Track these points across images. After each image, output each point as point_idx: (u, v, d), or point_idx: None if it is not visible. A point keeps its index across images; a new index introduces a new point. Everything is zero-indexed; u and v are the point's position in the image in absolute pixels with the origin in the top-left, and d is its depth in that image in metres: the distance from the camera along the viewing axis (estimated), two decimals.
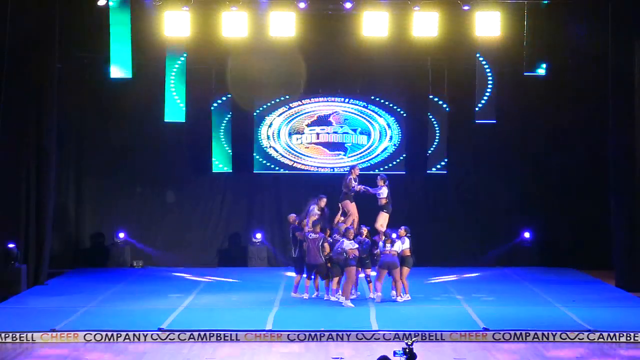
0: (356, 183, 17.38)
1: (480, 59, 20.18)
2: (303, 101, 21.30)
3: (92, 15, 19.58)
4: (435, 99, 21.09)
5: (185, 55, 20.09)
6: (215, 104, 21.02)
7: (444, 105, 21.07)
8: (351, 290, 16.34)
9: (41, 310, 15.81)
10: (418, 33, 19.23)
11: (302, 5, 18.92)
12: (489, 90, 20.26)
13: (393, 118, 21.28)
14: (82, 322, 14.62)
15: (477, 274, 20.02)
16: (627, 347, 13.73)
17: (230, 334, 13.90)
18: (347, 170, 18.32)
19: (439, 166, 21.07)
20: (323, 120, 21.27)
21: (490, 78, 20.22)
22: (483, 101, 20.30)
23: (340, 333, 13.96)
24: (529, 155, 21.40)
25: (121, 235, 21.09)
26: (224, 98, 21.03)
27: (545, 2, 19.35)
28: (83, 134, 21.27)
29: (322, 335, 13.94)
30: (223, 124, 21.05)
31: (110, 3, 19.05)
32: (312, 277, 16.92)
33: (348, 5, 19.08)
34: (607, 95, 18.84)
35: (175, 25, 19.12)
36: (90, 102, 20.97)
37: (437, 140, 21.08)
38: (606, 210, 19.45)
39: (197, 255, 21.37)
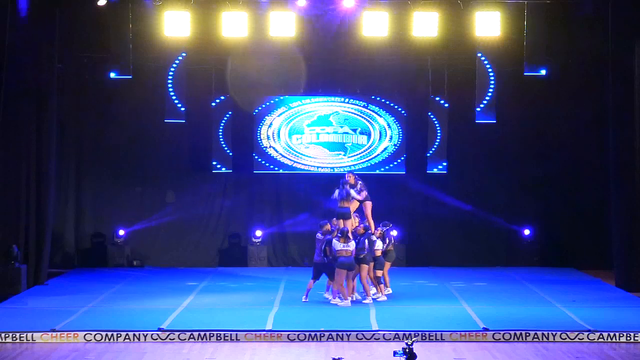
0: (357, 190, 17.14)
1: (481, 59, 20.17)
2: (303, 101, 21.31)
3: (92, 15, 19.58)
4: (436, 99, 21.09)
5: (185, 55, 20.09)
6: (215, 104, 21.02)
7: (444, 105, 21.07)
8: (345, 291, 16.25)
9: (41, 310, 15.82)
10: (418, 33, 19.22)
11: (302, 2, 18.93)
12: (489, 90, 20.26)
13: (393, 118, 21.29)
14: (82, 322, 14.62)
15: (477, 274, 20.00)
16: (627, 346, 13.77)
17: (230, 334, 13.90)
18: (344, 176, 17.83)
19: (439, 166, 21.08)
20: (323, 120, 21.27)
21: (490, 78, 20.21)
22: (483, 101, 20.29)
23: (340, 333, 13.96)
24: (528, 155, 21.41)
25: (121, 232, 21.09)
26: (223, 98, 21.03)
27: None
28: (83, 134, 21.28)
29: (322, 335, 13.93)
30: (223, 124, 21.05)
31: (110, 3, 19.05)
32: (318, 279, 16.82)
33: (349, 3, 19.07)
34: (607, 95, 18.84)
35: (175, 25, 19.11)
36: (90, 102, 20.99)
37: (437, 140, 21.08)
38: (606, 210, 19.46)
39: (197, 255, 21.38)
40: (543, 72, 19.85)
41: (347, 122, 21.25)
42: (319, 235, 16.62)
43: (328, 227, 16.57)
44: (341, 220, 16.63)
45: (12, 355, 13.17)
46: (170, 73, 20.24)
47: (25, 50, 18.05)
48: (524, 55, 19.50)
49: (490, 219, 21.31)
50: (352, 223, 16.88)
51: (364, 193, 17.05)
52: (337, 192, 16.92)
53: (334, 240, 16.12)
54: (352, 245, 16.09)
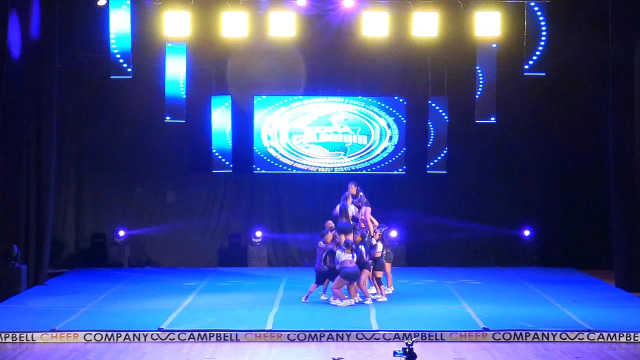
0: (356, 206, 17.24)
1: (481, 59, 20.13)
2: (303, 101, 21.31)
3: (92, 15, 19.58)
4: (435, 99, 21.06)
5: (185, 55, 20.07)
6: (215, 104, 21.00)
7: (444, 106, 21.04)
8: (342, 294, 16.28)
9: (41, 310, 15.82)
10: (418, 33, 19.23)
11: (302, 2, 18.93)
12: (489, 90, 20.21)
13: (393, 118, 21.28)
14: (82, 322, 14.63)
15: (477, 274, 20.00)
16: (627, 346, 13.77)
17: (230, 334, 13.90)
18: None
19: (438, 166, 21.04)
20: (323, 120, 21.27)
21: (490, 78, 20.16)
22: (483, 101, 20.26)
23: (340, 333, 13.96)
24: (529, 155, 21.41)
25: (121, 233, 21.09)
26: (224, 98, 21.01)
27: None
28: (83, 134, 21.28)
29: (322, 335, 13.94)
30: (223, 124, 21.03)
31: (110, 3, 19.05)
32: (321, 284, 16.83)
33: (349, 3, 19.08)
34: (607, 95, 18.84)
35: (175, 25, 19.12)
36: (90, 102, 20.99)
37: (437, 140, 21.05)
38: (606, 210, 19.47)
39: (197, 255, 21.38)
40: (543, 72, 19.80)
41: (347, 122, 21.25)
42: (321, 244, 16.66)
43: (330, 236, 16.62)
44: (342, 235, 16.60)
45: (12, 355, 13.17)
46: (171, 73, 20.19)
47: (25, 50, 18.05)
48: (524, 55, 19.49)
49: (489, 219, 21.33)
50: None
51: (362, 211, 17.07)
52: (337, 207, 16.94)
53: (339, 252, 16.18)
54: (356, 256, 16.18)
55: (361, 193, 17.28)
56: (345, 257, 16.12)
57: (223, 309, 15.89)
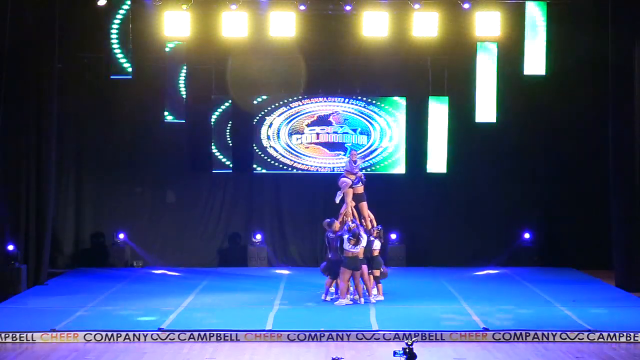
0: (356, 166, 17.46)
1: (481, 58, 20.11)
2: (303, 101, 21.30)
3: (92, 15, 19.57)
4: (435, 99, 21.06)
5: (185, 55, 20.06)
6: (215, 104, 21.00)
7: (444, 105, 21.03)
8: (346, 291, 16.28)
9: (41, 310, 15.82)
10: (418, 33, 19.22)
11: (302, 8, 18.94)
12: (489, 90, 20.20)
13: (393, 118, 21.28)
14: (82, 322, 14.63)
15: (477, 274, 20.02)
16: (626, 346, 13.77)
17: (230, 334, 13.91)
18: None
19: (438, 166, 21.02)
20: (323, 120, 21.26)
21: (490, 78, 20.15)
22: (483, 101, 20.24)
23: (340, 333, 13.97)
24: (528, 155, 21.41)
25: (121, 235, 21.07)
26: (223, 98, 21.01)
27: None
28: (83, 134, 21.27)
29: (322, 335, 13.95)
30: (223, 124, 21.03)
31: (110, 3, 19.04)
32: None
33: (348, 8, 19.10)
34: (607, 96, 18.84)
35: (175, 25, 19.10)
36: (90, 102, 20.98)
37: (436, 140, 21.02)
38: (606, 210, 19.45)
39: (197, 255, 21.36)
40: (543, 72, 19.79)
41: (347, 122, 21.25)
42: (330, 235, 16.63)
43: (337, 224, 16.61)
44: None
45: (12, 356, 13.18)
46: (171, 73, 20.18)
47: (25, 51, 18.05)
48: (524, 55, 19.47)
49: (489, 219, 21.33)
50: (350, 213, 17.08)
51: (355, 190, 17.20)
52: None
53: (345, 242, 16.17)
54: (360, 247, 16.16)
55: (363, 172, 17.42)
56: (348, 246, 16.12)
57: (223, 309, 15.89)
